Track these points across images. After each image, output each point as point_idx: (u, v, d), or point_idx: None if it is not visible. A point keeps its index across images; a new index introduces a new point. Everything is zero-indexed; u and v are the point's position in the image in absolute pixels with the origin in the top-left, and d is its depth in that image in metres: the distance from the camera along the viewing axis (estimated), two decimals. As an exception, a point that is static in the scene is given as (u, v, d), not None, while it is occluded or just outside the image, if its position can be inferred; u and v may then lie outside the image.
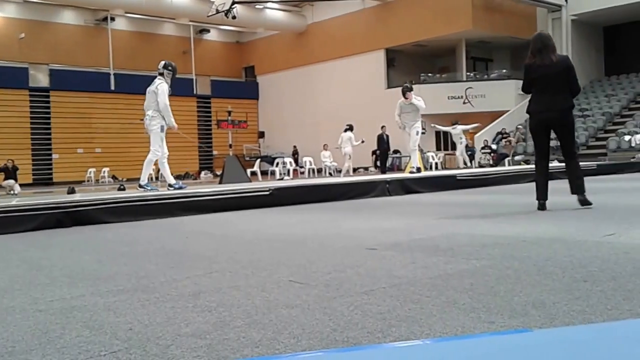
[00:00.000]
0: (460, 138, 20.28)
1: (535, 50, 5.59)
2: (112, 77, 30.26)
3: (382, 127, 20.33)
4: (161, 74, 8.63)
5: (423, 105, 11.44)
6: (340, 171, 23.35)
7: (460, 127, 20.33)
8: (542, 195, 5.63)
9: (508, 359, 1.25)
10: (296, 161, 24.48)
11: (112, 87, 30.17)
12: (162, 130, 8.49)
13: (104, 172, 26.44)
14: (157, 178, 21.63)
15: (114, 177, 26.70)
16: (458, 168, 19.52)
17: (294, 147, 30.00)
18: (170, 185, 8.74)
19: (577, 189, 5.62)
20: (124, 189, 11.81)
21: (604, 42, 29.60)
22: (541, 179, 5.72)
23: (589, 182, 5.76)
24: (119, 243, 4.73)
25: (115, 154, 29.23)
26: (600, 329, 1.63)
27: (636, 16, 25.89)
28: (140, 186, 8.59)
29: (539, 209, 5.59)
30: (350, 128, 18.40)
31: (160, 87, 8.50)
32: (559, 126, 5.68)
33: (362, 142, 18.87)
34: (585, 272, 2.67)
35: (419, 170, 11.79)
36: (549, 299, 2.20)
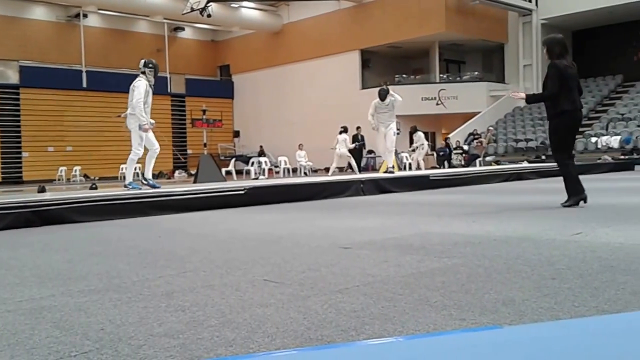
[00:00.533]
0: (422, 144, 20.47)
1: (559, 53, 5.76)
2: (84, 75, 29.81)
3: (357, 127, 20.42)
4: (143, 73, 8.58)
5: (399, 97, 11.47)
6: (315, 171, 23.36)
7: (420, 134, 20.58)
8: (582, 189, 5.72)
9: (479, 356, 1.27)
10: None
11: (84, 85, 29.73)
12: (140, 128, 8.42)
13: (76, 170, 26.04)
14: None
15: (85, 176, 26.31)
16: (406, 169, 19.73)
17: (260, 147, 29.84)
18: (144, 180, 8.73)
19: (583, 188, 5.82)
20: (95, 188, 11.65)
21: (572, 46, 30.15)
22: (576, 174, 5.78)
23: (557, 183, 5.86)
24: (91, 243, 4.67)
25: (87, 153, 28.81)
26: (567, 326, 1.67)
27: (604, 21, 26.46)
28: (125, 186, 8.55)
29: (584, 202, 5.66)
30: (345, 130, 18.46)
31: (137, 83, 8.48)
32: (580, 124, 5.97)
33: (356, 147, 18.94)
34: (554, 270, 2.72)
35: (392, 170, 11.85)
36: (519, 297, 2.25)
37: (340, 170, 18.56)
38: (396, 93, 11.62)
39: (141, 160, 8.85)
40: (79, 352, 1.82)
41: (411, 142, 20.77)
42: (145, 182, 8.65)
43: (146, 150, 8.65)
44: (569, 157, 5.86)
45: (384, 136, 11.61)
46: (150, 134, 8.62)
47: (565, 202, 5.73)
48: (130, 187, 8.35)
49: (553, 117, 5.82)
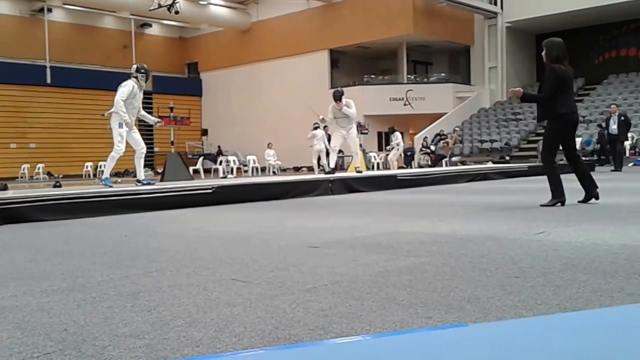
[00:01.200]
0: (398, 144, 20.62)
1: (556, 57, 5.85)
2: (48, 70, 29.23)
3: (325, 127, 20.45)
4: (135, 77, 8.76)
5: (354, 111, 11.16)
6: (284, 170, 23.28)
7: (398, 134, 20.70)
8: (563, 192, 5.83)
9: (444, 353, 1.29)
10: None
11: (49, 81, 29.14)
12: (120, 126, 8.56)
13: (39, 168, 25.53)
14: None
15: (49, 174, 25.80)
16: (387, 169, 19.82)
17: (218, 147, 29.63)
18: (138, 181, 8.89)
19: (595, 184, 6.01)
20: (59, 186, 11.43)
21: (536, 49, 30.76)
22: (559, 176, 5.89)
23: (521, 183, 5.97)
24: (54, 242, 4.59)
25: (50, 150, 28.25)
26: (530, 323, 1.70)
27: (567, 25, 27.04)
28: (101, 180, 8.75)
29: (562, 204, 5.77)
30: (319, 126, 18.40)
31: (125, 82, 8.66)
32: (577, 126, 6.14)
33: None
34: (517, 268, 2.78)
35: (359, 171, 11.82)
36: (483, 295, 2.28)
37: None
38: (352, 103, 11.22)
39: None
40: (42, 353, 1.79)
41: (388, 142, 20.82)
42: (139, 183, 8.76)
43: (131, 149, 8.79)
44: (554, 159, 6.03)
45: (343, 138, 11.42)
46: (137, 135, 8.85)
47: (547, 202, 5.85)
48: (104, 183, 8.41)
49: (550, 120, 5.96)
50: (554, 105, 5.80)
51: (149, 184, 8.62)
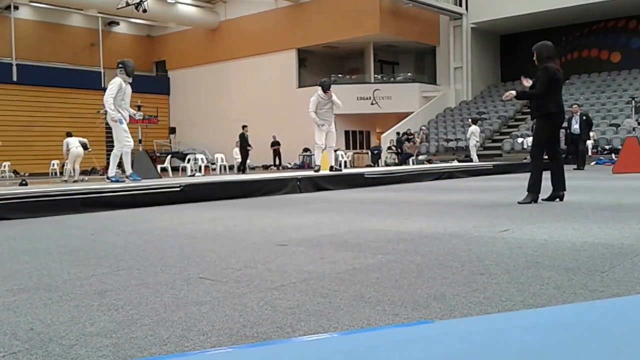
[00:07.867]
0: (476, 136, 20.78)
1: (547, 57, 5.97)
2: (14, 68, 28.65)
3: (244, 126, 20.40)
4: (120, 72, 9.04)
5: (339, 102, 11.17)
6: (253, 168, 23.17)
7: (472, 128, 20.82)
8: (540, 189, 5.97)
9: (411, 350, 1.31)
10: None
11: (15, 78, 28.59)
12: (120, 122, 8.81)
13: (4, 166, 25.00)
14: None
15: (15, 172, 25.28)
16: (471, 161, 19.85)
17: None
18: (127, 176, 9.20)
19: (564, 186, 6.12)
20: (26, 184, 11.20)
21: (500, 49, 31.26)
22: (542, 174, 6.01)
23: (486, 181, 6.07)
24: (20, 240, 4.50)
25: (17, 148, 27.66)
26: (495, 320, 1.74)
27: (529, 26, 27.55)
28: (128, 177, 9.10)
29: (534, 202, 5.90)
30: (69, 134, 17.91)
31: (112, 80, 8.98)
32: (562, 125, 6.26)
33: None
34: (482, 265, 2.83)
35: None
36: (449, 292, 2.32)
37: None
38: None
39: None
40: (8, 352, 1.76)
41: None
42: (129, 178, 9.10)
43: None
44: (542, 157, 6.17)
45: (325, 133, 11.17)
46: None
47: (524, 199, 5.98)
48: (132, 178, 8.85)
49: (539, 118, 6.10)
50: (545, 104, 5.95)
51: (118, 181, 8.73)
